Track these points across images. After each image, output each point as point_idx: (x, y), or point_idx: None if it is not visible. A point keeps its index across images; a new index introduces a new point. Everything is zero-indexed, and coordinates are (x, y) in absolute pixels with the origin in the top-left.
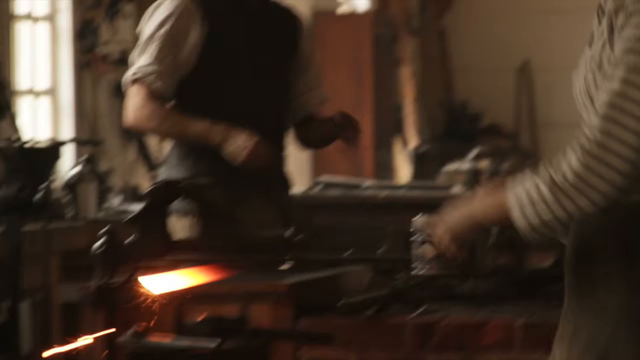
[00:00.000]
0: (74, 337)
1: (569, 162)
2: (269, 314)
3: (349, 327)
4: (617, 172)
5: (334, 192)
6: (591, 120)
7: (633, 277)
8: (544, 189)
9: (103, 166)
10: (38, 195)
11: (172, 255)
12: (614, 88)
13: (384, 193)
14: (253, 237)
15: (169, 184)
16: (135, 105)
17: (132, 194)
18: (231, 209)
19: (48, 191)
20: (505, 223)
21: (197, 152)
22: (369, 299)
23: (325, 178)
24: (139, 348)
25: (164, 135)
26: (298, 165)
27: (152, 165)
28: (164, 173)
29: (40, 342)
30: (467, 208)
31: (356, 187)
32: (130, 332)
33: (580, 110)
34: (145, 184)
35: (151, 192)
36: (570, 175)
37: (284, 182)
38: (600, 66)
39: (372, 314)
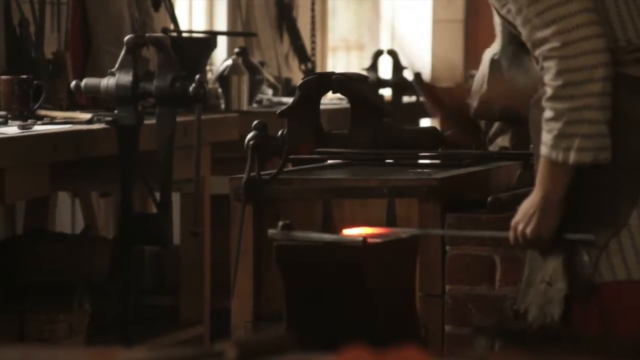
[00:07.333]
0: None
1: (548, 82)
2: (417, 208)
3: (497, 224)
4: (586, 40)
5: None
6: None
7: None
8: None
9: (256, 58)
10: (191, 87)
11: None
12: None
13: None
14: (403, 131)
15: (321, 77)
16: None
17: (285, 87)
18: (382, 102)
19: (201, 82)
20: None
21: None
22: (518, 195)
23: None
24: (287, 241)
25: None
26: (450, 59)
27: (305, 58)
28: None
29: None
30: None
31: None
32: (279, 225)
33: None
34: (297, 77)
35: (303, 85)
36: (558, 83)
37: None
38: None
39: None
